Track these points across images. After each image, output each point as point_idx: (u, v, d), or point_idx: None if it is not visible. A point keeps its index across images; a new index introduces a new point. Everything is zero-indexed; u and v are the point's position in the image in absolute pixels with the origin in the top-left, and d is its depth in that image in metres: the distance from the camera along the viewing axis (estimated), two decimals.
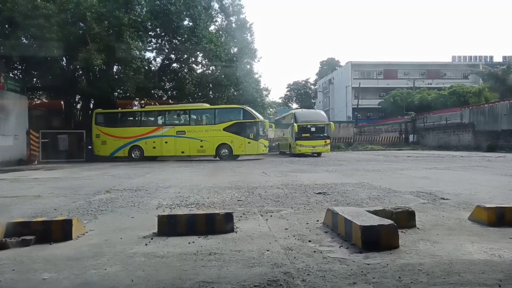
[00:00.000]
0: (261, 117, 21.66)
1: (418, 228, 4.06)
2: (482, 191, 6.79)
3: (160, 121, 22.05)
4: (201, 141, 20.63)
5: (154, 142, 21.17)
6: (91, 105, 27.20)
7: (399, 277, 2.63)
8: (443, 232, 3.90)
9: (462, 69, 52.57)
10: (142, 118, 22.39)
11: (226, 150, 20.51)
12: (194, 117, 22.00)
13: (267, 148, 22.24)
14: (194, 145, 20.74)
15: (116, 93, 25.87)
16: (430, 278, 2.62)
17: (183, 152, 21.10)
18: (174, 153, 21.24)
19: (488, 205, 4.29)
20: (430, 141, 35.36)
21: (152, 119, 22.53)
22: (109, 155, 21.95)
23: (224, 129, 20.50)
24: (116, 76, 23.70)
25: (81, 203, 6.28)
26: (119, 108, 27.99)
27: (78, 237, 3.95)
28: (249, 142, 20.26)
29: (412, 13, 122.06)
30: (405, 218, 4.06)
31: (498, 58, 52.63)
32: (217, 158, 20.68)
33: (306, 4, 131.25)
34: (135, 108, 24.38)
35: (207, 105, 22.40)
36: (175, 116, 22.39)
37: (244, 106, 22.44)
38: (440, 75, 53.25)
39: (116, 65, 23.83)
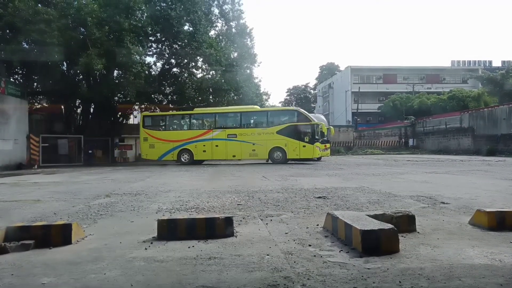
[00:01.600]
0: (315, 120, 21.00)
1: (418, 232, 4.05)
2: (482, 195, 6.78)
3: (210, 124, 21.56)
4: (253, 144, 20.09)
5: (204, 145, 20.68)
6: (91, 110, 27.27)
7: (400, 282, 2.63)
8: (444, 236, 3.89)
9: (461, 74, 52.75)
10: (192, 121, 22.06)
11: (280, 154, 19.95)
12: (246, 119, 21.41)
13: (322, 152, 21.55)
14: (246, 149, 20.21)
15: (116, 98, 25.94)
16: (430, 282, 2.61)
17: (234, 156, 20.69)
18: (225, 157, 20.84)
19: (488, 209, 4.28)
20: (430, 145, 35.37)
21: (202, 121, 22.17)
22: (157, 159, 21.63)
23: (278, 132, 19.92)
24: (117, 81, 23.78)
25: (80, 207, 6.27)
26: (120, 113, 28.06)
27: (78, 241, 3.94)
28: (304, 146, 19.58)
29: (411, 17, 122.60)
30: (405, 223, 4.05)
31: (497, 63, 53.01)
32: (270, 162, 20.20)
33: (306, 9, 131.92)
34: (184, 111, 23.94)
35: (258, 108, 22.19)
36: (226, 119, 21.94)
37: (298, 108, 21.44)
38: (439, 80, 53.41)
39: (117, 70, 23.93)
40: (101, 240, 4.04)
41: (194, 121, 22.10)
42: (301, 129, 19.84)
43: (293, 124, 20.01)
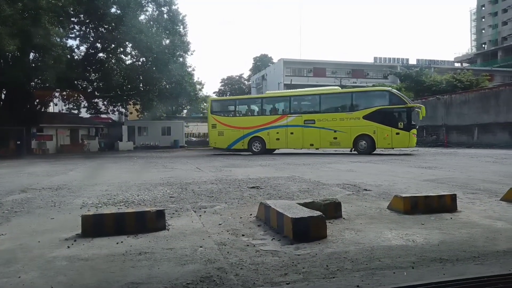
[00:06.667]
0: (411, 102, 18.13)
1: (344, 218, 4.30)
2: (399, 182, 7.43)
3: (284, 109, 19.44)
4: (335, 131, 17.73)
5: (277, 133, 18.74)
6: (3, 96, 24.49)
7: (327, 266, 2.77)
8: (366, 221, 4.19)
9: (382, 70, 57.03)
10: (264, 106, 20.04)
11: (365, 143, 17.37)
12: (326, 103, 18.92)
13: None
14: (326, 137, 17.93)
15: (33, 83, 23.57)
16: (354, 264, 2.80)
17: (312, 145, 18.48)
18: (301, 146, 18.75)
19: (404, 195, 4.68)
20: None
21: (276, 106, 20.03)
22: (226, 148, 19.74)
23: (365, 117, 17.30)
24: (33, 65, 21.55)
25: None
26: (37, 100, 25.62)
27: None
28: (397, 133, 16.74)
29: (339, 14, 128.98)
30: (333, 209, 4.28)
31: (413, 61, 57.98)
32: (354, 152, 17.84)
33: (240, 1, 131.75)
34: (255, 95, 21.53)
35: (339, 89, 19.92)
36: (302, 103, 19.85)
37: (390, 88, 18.97)
38: (364, 75, 57.17)
39: (33, 52, 21.69)
40: (15, 240, 3.66)
41: (267, 106, 20.13)
42: (394, 113, 17.12)
43: (384, 107, 17.19)
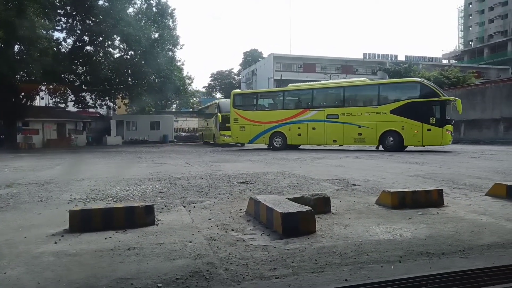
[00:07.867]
0: (446, 95, 16.20)
1: (332, 213, 4.34)
2: (387, 177, 7.52)
3: (306, 103, 18.42)
4: (360, 127, 16.45)
5: (299, 128, 17.86)
6: None
7: (316, 260, 2.80)
8: (354, 216, 4.23)
9: (371, 66, 57.45)
10: (286, 99, 19.22)
11: (392, 140, 16.01)
12: (350, 96, 17.79)
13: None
14: (350, 132, 16.74)
15: (18, 76, 23.09)
16: (343, 259, 2.83)
17: (335, 141, 17.41)
18: (324, 142, 17.78)
19: (391, 190, 4.75)
20: None
21: (298, 100, 19.19)
22: (248, 143, 19.45)
23: (392, 111, 15.87)
24: (18, 57, 21.12)
25: None
26: (23, 93, 25.14)
27: None
28: (429, 129, 15.20)
29: (329, 10, 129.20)
30: (322, 204, 4.32)
31: (401, 57, 58.55)
32: (381, 149, 16.49)
33: None
34: (275, 88, 20.62)
35: (367, 81, 18.08)
36: (325, 96, 18.84)
37: (422, 79, 17.32)
38: (353, 71, 57.51)
39: (18, 45, 21.24)
40: (0, 235, 3.60)
41: (289, 99, 19.33)
42: (425, 107, 15.41)
43: (414, 101, 15.64)
